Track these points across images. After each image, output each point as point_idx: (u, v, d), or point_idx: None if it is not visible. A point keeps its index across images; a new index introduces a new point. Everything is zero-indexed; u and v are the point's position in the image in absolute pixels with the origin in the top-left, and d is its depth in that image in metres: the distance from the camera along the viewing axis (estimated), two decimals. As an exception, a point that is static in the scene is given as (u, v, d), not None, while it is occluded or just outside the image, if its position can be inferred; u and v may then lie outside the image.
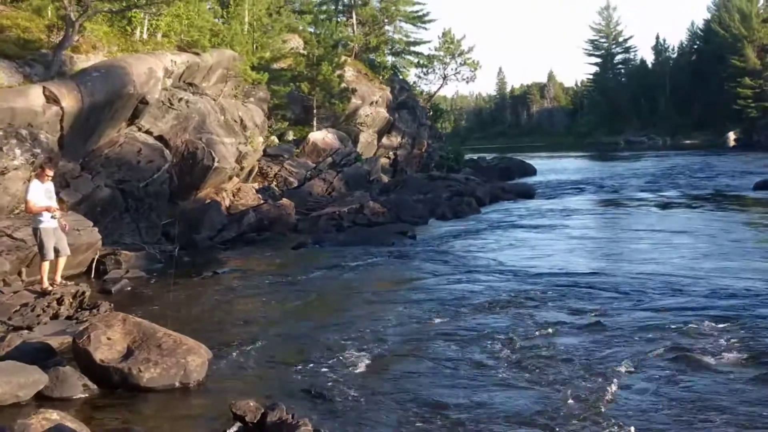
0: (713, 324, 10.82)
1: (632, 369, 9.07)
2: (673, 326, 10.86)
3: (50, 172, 13.29)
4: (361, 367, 9.51)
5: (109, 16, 23.20)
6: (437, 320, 11.87)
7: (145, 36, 25.18)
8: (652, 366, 9.21)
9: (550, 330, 10.95)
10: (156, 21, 25.36)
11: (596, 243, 20.78)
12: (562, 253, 18.67)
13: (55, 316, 11.88)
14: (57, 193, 13.84)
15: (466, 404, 8.18)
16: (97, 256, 16.40)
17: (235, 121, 27.17)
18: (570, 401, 8.10)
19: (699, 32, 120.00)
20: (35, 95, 16.78)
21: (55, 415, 6.91)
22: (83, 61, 20.63)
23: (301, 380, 9.06)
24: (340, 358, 9.90)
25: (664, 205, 29.13)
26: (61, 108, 17.24)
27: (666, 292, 13.41)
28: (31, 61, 19.07)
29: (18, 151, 16.04)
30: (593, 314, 11.82)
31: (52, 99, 17.08)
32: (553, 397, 8.27)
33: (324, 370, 9.43)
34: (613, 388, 8.44)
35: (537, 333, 10.83)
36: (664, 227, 22.80)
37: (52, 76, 18.69)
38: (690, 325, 10.81)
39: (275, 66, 38.02)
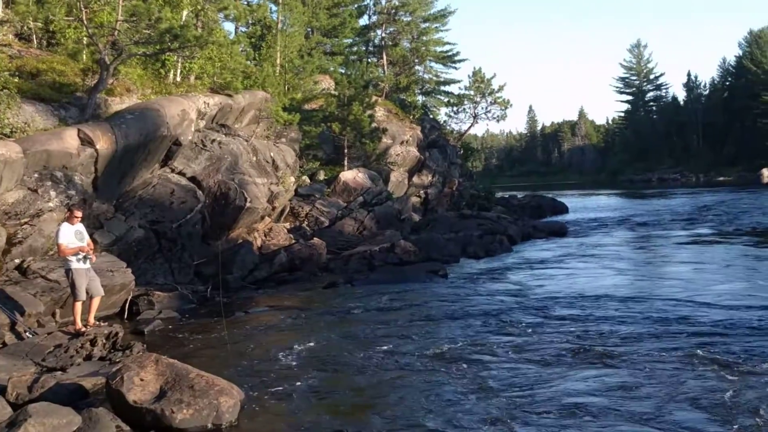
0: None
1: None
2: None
3: (79, 213, 13.47)
4: (394, 410, 9.42)
5: (143, 60, 23.55)
6: (469, 361, 11.77)
7: (178, 78, 25.52)
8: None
9: (571, 370, 10.87)
10: (189, 64, 25.69)
11: (627, 281, 20.45)
12: (593, 291, 18.38)
13: (88, 357, 11.92)
14: (90, 234, 13.97)
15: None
16: (130, 297, 16.48)
17: (267, 161, 27.33)
18: None
19: (730, 69, 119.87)
20: (70, 138, 17.00)
21: (87, 457, 6.90)
22: (117, 104, 20.91)
23: (333, 421, 8.98)
24: (373, 399, 9.83)
25: (698, 244, 28.71)
26: (96, 150, 17.44)
27: (697, 331, 13.25)
28: (66, 104, 19.34)
29: (53, 193, 16.23)
30: (620, 357, 11.70)
31: (86, 141, 17.30)
32: None
33: (356, 411, 9.37)
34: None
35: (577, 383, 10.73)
36: (697, 266, 22.43)
37: (87, 118, 18.94)
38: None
39: (306, 107, 38.38)
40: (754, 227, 33.60)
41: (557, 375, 10.70)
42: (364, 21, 57.88)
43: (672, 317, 14.53)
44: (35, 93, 18.73)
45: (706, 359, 11.16)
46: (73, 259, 12.99)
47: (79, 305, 13.07)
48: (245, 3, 40.51)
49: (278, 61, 36.58)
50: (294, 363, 12.00)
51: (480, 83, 57.98)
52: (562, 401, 9.49)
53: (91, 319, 13.36)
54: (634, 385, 9.99)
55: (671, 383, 10.01)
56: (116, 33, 20.36)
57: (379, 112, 44.96)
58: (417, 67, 59.06)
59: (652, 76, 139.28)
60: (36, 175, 16.10)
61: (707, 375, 10.37)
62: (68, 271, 13.11)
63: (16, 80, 17.91)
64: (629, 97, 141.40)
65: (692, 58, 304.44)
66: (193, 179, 22.04)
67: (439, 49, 60.21)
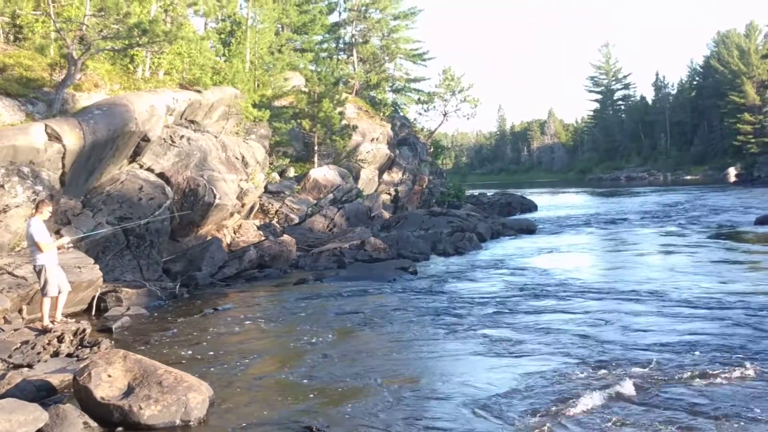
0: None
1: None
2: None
3: (50, 208, 13.29)
4: (363, 404, 9.45)
5: (112, 55, 23.37)
6: (435, 357, 11.87)
7: (147, 74, 25.36)
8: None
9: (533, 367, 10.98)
10: (158, 59, 25.54)
11: (589, 275, 20.83)
12: (559, 288, 18.58)
13: (55, 354, 11.83)
14: (57, 231, 13.84)
15: None
16: (98, 294, 16.36)
17: (237, 158, 27.25)
18: None
19: (698, 69, 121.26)
20: (37, 133, 16.83)
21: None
22: (85, 99, 20.73)
23: (302, 417, 8.98)
24: (342, 394, 9.85)
25: (665, 242, 29.06)
26: (63, 145, 17.28)
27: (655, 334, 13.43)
28: (33, 99, 19.14)
29: (20, 189, 16.06)
30: (583, 347, 11.84)
31: (53, 137, 17.13)
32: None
33: (326, 407, 9.37)
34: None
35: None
36: (663, 265, 22.68)
37: (54, 114, 18.76)
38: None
39: (277, 103, 38.27)
40: (716, 225, 34.04)
41: (524, 370, 10.81)
42: (334, 18, 57.86)
43: (637, 309, 14.74)
44: (1, 88, 18.51)
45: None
46: (44, 255, 12.71)
47: (47, 301, 12.88)
48: (215, -1, 40.30)
49: (248, 58, 36.46)
50: (262, 359, 12.01)
51: (450, 81, 58.18)
52: (534, 399, 9.60)
53: (58, 315, 13.21)
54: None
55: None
56: (84, 28, 20.19)
57: (350, 110, 44.98)
58: (387, 65, 59.06)
59: (620, 75, 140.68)
60: (2, 171, 15.92)
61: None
62: (41, 268, 12.80)
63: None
64: (598, 96, 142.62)
65: (661, 58, 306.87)
66: (161, 175, 21.91)
67: (409, 46, 60.22)
